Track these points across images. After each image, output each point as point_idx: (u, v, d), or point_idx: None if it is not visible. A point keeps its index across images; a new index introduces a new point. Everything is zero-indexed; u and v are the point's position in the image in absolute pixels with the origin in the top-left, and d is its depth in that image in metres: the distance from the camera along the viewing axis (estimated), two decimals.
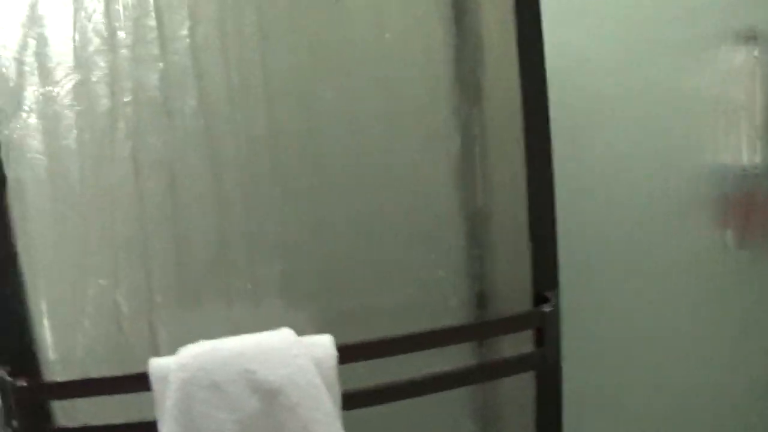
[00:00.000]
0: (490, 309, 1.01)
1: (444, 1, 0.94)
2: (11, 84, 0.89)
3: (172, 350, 0.91)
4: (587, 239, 1.13)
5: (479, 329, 0.96)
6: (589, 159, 1.12)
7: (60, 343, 0.92)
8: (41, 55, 0.89)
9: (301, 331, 0.91)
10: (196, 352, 0.89)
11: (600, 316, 1.15)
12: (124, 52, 0.89)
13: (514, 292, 1.01)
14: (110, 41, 0.89)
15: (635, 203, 1.16)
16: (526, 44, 0.96)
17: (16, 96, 0.89)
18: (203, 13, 0.90)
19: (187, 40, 0.90)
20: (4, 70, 0.89)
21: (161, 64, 0.90)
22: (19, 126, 0.89)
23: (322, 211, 0.93)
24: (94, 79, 0.89)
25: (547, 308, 0.97)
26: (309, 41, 0.91)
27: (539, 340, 0.99)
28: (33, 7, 0.90)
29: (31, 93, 0.90)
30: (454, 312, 0.98)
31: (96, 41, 0.89)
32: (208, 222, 0.91)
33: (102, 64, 0.89)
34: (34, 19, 0.89)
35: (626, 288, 1.17)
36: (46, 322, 0.92)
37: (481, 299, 1.00)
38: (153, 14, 0.89)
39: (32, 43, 0.89)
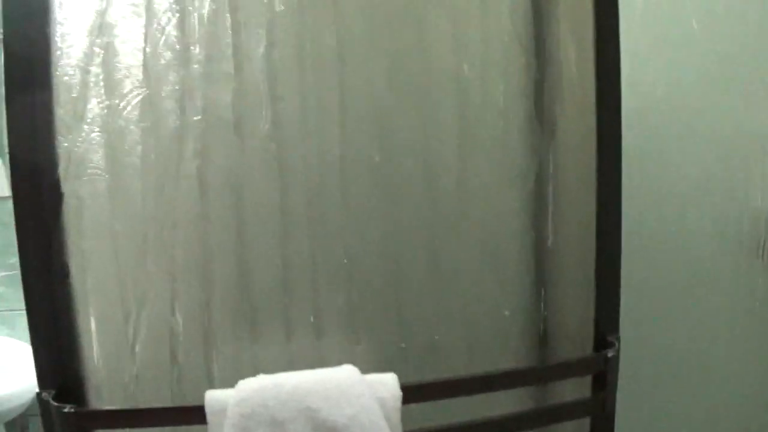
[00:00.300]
0: (550, 350, 0.98)
1: (525, 36, 0.92)
2: (74, 94, 0.84)
3: (227, 382, 0.88)
4: (643, 282, 1.11)
5: (543, 373, 0.94)
6: (648, 199, 1.10)
7: (109, 369, 0.87)
8: (108, 66, 0.85)
9: (360, 367, 0.88)
10: (256, 386, 0.85)
11: (649, 358, 1.13)
12: (196, 68, 0.85)
13: (574, 334, 0.98)
14: (183, 56, 0.85)
15: (696, 244, 1.15)
16: (605, 82, 0.94)
17: (78, 107, 0.85)
18: (281, 34, 0.86)
19: (263, 60, 0.86)
20: (66, 78, 0.85)
21: (235, 83, 0.86)
22: (80, 139, 0.85)
23: (391, 242, 0.90)
24: (163, 94, 0.85)
25: (610, 353, 0.95)
26: (387, 69, 0.88)
27: (599, 385, 0.97)
28: (102, 15, 0.85)
29: (95, 105, 0.85)
30: (515, 352, 0.95)
31: (167, 55, 0.85)
32: (273, 248, 0.88)
33: (172, 79, 0.85)
34: (102, 28, 0.85)
35: (678, 329, 1.15)
36: (95, 345, 0.87)
37: (543, 340, 0.97)
38: (229, 31, 0.85)
39: (99, 53, 0.85)
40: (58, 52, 0.84)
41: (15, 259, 1.64)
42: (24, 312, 1.63)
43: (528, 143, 0.92)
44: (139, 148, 0.86)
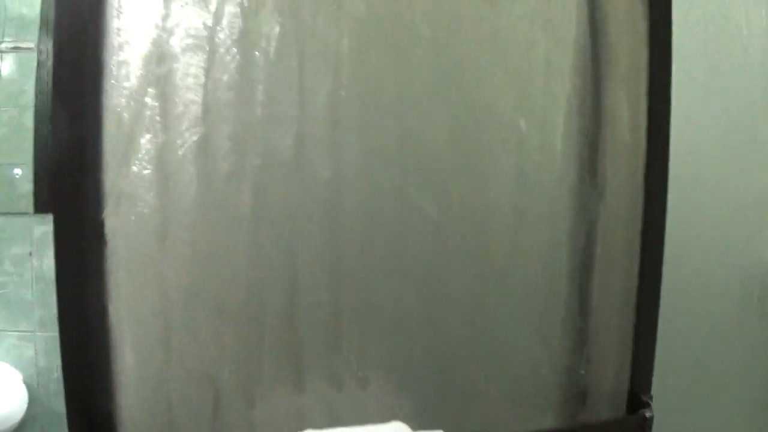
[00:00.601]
0: (588, 409, 0.98)
1: (583, 96, 0.92)
2: (125, 128, 0.80)
3: None
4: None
5: None
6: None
7: (146, 414, 0.82)
8: (165, 100, 0.81)
9: (402, 421, 0.86)
10: None
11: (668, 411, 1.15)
12: (258, 108, 0.82)
13: (610, 393, 0.99)
14: (245, 94, 0.81)
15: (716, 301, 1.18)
16: (655, 145, 0.95)
17: (129, 141, 0.80)
18: (346, 79, 0.84)
19: (326, 104, 0.83)
20: (119, 110, 0.80)
21: (296, 126, 0.83)
22: (129, 175, 0.80)
23: (439, 297, 0.88)
24: (222, 134, 0.81)
25: (648, 413, 0.96)
26: (447, 121, 0.87)
27: None
28: (159, 45, 0.81)
29: (148, 141, 0.81)
30: (555, 410, 0.95)
31: (229, 93, 0.81)
32: (323, 298, 0.85)
33: (233, 118, 0.81)
34: (161, 58, 0.80)
35: (692, 381, 1.18)
36: (132, 389, 0.82)
37: (581, 399, 0.97)
38: (296, 72, 0.82)
39: (155, 85, 0.80)
40: (112, 81, 0.80)
41: (5, 278, 1.56)
42: (8, 332, 1.56)
43: (579, 203, 0.92)
44: (193, 189, 0.81)
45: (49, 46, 1.47)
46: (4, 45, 1.50)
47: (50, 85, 0.80)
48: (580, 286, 0.94)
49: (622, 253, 0.96)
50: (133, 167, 0.81)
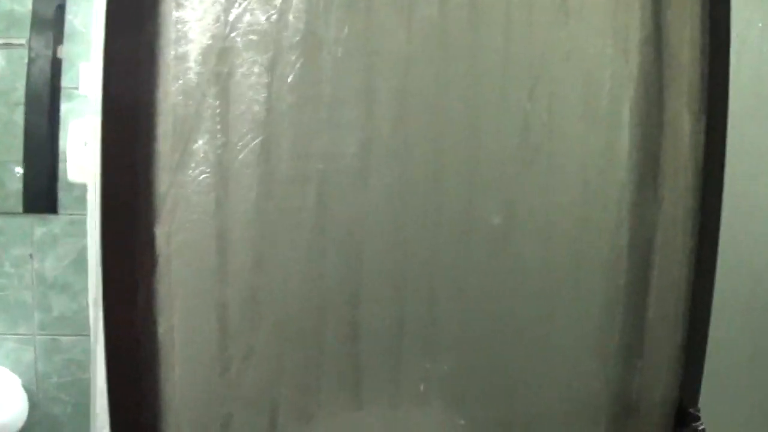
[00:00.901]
0: (636, 422, 0.97)
1: (646, 108, 0.90)
2: (181, 128, 0.74)
3: None
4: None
5: None
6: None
7: None
8: (223, 100, 0.75)
9: None
10: None
11: None
12: (323, 110, 0.77)
13: (659, 406, 0.98)
14: (310, 96, 0.77)
15: None
16: (713, 159, 0.94)
17: (184, 144, 0.75)
18: (414, 82, 0.79)
19: (393, 108, 0.79)
20: (175, 109, 0.75)
21: (362, 132, 0.79)
22: (185, 180, 0.75)
23: (503, 309, 0.85)
24: (284, 136, 0.76)
25: (700, 426, 0.95)
26: (515, 127, 0.84)
27: None
28: (223, 39, 0.75)
29: (204, 143, 0.75)
30: (606, 423, 0.94)
31: (293, 94, 0.76)
32: (386, 310, 0.81)
33: (296, 121, 0.77)
34: (222, 54, 0.75)
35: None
36: (182, 407, 0.77)
37: (630, 412, 0.96)
38: (361, 73, 0.78)
39: (214, 83, 0.75)
40: (169, 77, 0.74)
41: (4, 280, 1.48)
42: (7, 336, 1.48)
43: (639, 215, 0.91)
44: (253, 195, 0.77)
45: (39, 43, 1.42)
46: None
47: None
48: (637, 297, 0.93)
49: (678, 263, 0.95)
50: (189, 171, 0.75)
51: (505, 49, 0.82)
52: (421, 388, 0.83)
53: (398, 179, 0.80)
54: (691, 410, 0.99)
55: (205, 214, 0.76)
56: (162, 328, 0.76)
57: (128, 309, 0.75)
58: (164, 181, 0.75)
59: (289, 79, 0.77)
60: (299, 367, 0.79)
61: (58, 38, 1.44)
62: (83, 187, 1.52)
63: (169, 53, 0.74)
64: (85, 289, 1.49)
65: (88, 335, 1.40)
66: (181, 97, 0.74)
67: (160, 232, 0.75)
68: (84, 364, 1.48)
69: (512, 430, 0.88)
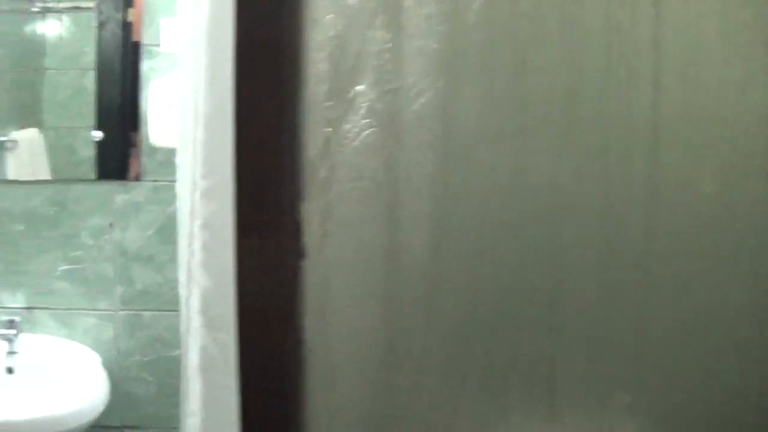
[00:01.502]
0: None
1: None
2: (338, 69, 0.57)
3: None
4: None
5: None
6: None
7: None
8: (394, 33, 0.58)
9: None
10: None
11: None
12: (519, 54, 0.59)
13: None
14: (501, 33, 0.58)
15: None
16: None
17: (343, 91, 0.58)
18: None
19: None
20: (334, 47, 0.57)
21: (569, 76, 0.60)
22: (345, 138, 0.58)
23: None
24: (469, 86, 0.59)
25: None
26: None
27: None
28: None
29: (369, 88, 0.58)
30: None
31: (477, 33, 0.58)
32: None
33: (485, 65, 0.59)
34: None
35: None
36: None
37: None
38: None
39: (381, 10, 0.57)
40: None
41: (80, 252, 1.36)
42: (87, 312, 1.37)
43: None
44: (432, 155, 0.59)
45: (108, 5, 1.31)
46: (62, 4, 1.35)
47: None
48: None
49: None
50: (349, 126, 0.59)
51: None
52: (627, 399, 0.67)
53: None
54: None
55: (371, 181, 0.59)
56: (309, 344, 0.60)
57: (271, 321, 0.59)
58: (317, 139, 0.58)
59: (476, 5, 0.58)
60: (481, 370, 0.63)
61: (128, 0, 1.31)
62: (167, 152, 1.39)
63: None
64: (171, 260, 1.37)
65: (174, 310, 1.28)
66: (338, 29, 0.57)
67: (312, 206, 0.59)
68: (169, 341, 1.35)
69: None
